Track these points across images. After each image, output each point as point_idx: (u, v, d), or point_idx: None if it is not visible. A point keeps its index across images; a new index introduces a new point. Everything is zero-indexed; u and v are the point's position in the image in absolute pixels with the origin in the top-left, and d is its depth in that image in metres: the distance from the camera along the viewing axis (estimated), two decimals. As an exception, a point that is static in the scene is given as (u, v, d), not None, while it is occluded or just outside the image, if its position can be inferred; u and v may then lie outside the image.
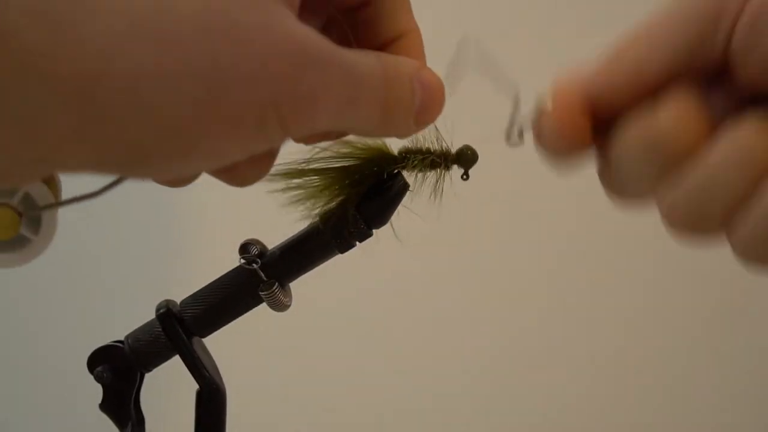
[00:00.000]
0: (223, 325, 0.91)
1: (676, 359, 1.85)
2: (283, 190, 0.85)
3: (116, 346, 0.91)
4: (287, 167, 0.85)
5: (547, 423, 1.85)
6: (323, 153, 0.84)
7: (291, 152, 0.85)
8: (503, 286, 1.83)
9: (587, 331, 1.84)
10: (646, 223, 1.83)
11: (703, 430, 1.86)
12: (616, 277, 1.84)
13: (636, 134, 0.60)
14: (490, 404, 1.84)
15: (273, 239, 0.90)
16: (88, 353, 0.92)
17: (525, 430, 1.85)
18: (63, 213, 1.84)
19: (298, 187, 0.85)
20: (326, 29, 0.72)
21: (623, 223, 1.83)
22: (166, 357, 0.91)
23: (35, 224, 0.83)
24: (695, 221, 0.58)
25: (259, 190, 0.86)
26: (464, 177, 0.85)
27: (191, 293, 0.92)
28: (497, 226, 1.81)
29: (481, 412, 1.84)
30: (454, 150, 0.84)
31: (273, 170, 0.85)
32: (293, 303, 0.90)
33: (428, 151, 0.83)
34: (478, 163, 0.84)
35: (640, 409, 1.85)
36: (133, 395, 0.92)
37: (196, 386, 0.90)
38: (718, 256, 1.81)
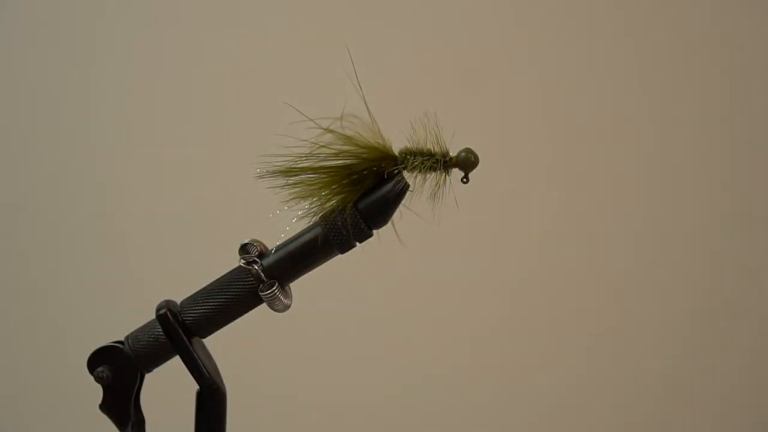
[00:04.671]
0: (224, 325, 0.90)
1: (673, 359, 1.86)
2: (283, 187, 0.86)
3: (116, 346, 0.91)
4: (286, 164, 0.85)
5: (546, 421, 1.85)
6: (323, 150, 0.85)
7: (290, 148, 0.85)
8: (502, 286, 1.83)
9: (586, 331, 1.84)
10: (644, 224, 1.84)
11: (701, 429, 1.87)
12: (614, 276, 1.84)
13: None
14: (489, 401, 1.84)
15: (272, 238, 0.90)
16: (88, 353, 0.91)
17: (524, 426, 1.86)
18: (61, 213, 1.85)
19: (297, 184, 0.85)
20: None
21: (621, 225, 1.83)
22: (166, 357, 0.91)
23: None
24: None
25: (259, 189, 0.86)
26: (464, 180, 0.84)
27: (191, 293, 0.92)
28: (495, 227, 1.81)
29: (480, 409, 1.84)
30: (454, 153, 0.84)
31: (272, 167, 0.86)
32: (293, 303, 0.90)
33: (429, 153, 0.83)
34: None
35: (636, 408, 1.85)
36: (133, 396, 0.91)
37: (196, 386, 0.90)
38: (717, 257, 1.81)
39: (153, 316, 0.90)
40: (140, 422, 0.93)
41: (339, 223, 0.85)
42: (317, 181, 0.85)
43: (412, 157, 0.83)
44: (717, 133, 1.82)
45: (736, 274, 1.84)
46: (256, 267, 0.87)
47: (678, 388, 1.85)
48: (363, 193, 0.85)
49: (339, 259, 0.89)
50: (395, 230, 0.87)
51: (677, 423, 1.85)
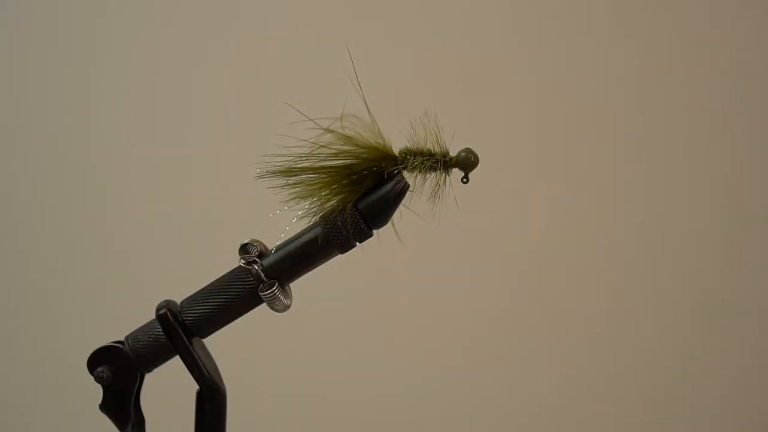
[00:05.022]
0: (224, 325, 0.90)
1: (673, 359, 1.85)
2: (283, 187, 0.86)
3: (116, 346, 0.91)
4: (286, 164, 0.85)
5: (546, 421, 1.85)
6: (323, 150, 0.85)
7: (290, 148, 0.85)
8: (502, 286, 1.83)
9: (586, 331, 1.84)
10: (644, 224, 1.83)
11: (701, 429, 1.87)
12: (614, 276, 1.84)
13: None
14: (489, 401, 1.84)
15: (272, 238, 0.90)
16: (88, 353, 0.91)
17: (524, 426, 1.86)
18: (61, 213, 1.85)
19: (297, 184, 0.85)
20: None
21: (621, 225, 1.83)
22: (166, 357, 0.91)
23: None
24: None
25: (259, 189, 0.86)
26: (464, 180, 0.84)
27: (191, 293, 0.92)
28: (495, 227, 1.81)
29: (480, 409, 1.84)
30: (454, 153, 0.84)
31: (272, 167, 0.86)
32: (293, 303, 0.90)
33: (429, 153, 0.83)
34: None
35: (636, 408, 1.85)
36: (133, 396, 0.91)
37: (196, 386, 0.90)
38: (717, 257, 1.80)
39: (153, 316, 0.90)
40: (140, 422, 0.93)
41: (339, 223, 0.85)
42: (317, 181, 0.85)
43: (412, 157, 0.83)
44: (717, 133, 1.82)
45: (736, 274, 1.84)
46: (256, 267, 0.87)
47: (678, 388, 1.85)
48: (363, 193, 0.85)
49: (339, 259, 0.89)
50: (395, 230, 0.87)
51: (677, 423, 1.85)
